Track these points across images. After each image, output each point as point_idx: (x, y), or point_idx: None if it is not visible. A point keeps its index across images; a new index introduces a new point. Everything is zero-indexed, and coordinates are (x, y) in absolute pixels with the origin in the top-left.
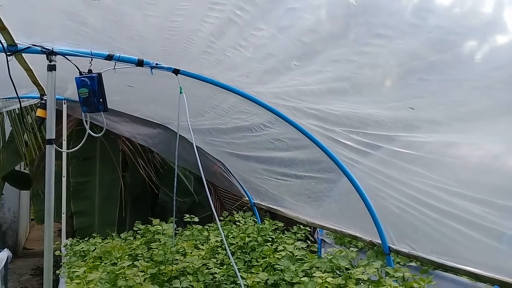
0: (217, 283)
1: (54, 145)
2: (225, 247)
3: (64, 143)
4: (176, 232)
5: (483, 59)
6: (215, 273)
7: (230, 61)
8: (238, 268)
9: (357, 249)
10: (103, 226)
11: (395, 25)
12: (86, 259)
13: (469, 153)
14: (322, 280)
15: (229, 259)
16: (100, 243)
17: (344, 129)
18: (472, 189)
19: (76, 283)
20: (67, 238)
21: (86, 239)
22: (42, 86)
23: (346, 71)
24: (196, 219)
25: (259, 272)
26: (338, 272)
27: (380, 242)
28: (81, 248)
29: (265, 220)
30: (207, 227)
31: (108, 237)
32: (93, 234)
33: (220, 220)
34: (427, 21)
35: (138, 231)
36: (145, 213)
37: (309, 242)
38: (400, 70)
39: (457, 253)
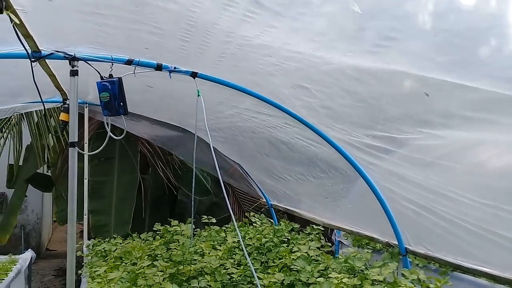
0: (234, 283)
1: (77, 147)
2: (242, 248)
3: (86, 146)
4: (195, 233)
5: None
6: (232, 273)
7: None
8: (254, 269)
9: (372, 251)
10: (118, 225)
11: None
12: (107, 259)
13: (485, 157)
14: (338, 280)
15: (246, 259)
16: (120, 243)
17: (356, 129)
18: (487, 192)
19: (98, 282)
20: (88, 239)
21: (107, 239)
22: (65, 90)
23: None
24: (214, 220)
25: (275, 272)
26: (353, 273)
27: (397, 243)
28: (103, 248)
29: (281, 221)
30: (224, 228)
31: (128, 238)
32: (113, 235)
33: (237, 222)
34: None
35: (157, 232)
36: (165, 214)
37: (322, 242)
38: None
39: (473, 254)
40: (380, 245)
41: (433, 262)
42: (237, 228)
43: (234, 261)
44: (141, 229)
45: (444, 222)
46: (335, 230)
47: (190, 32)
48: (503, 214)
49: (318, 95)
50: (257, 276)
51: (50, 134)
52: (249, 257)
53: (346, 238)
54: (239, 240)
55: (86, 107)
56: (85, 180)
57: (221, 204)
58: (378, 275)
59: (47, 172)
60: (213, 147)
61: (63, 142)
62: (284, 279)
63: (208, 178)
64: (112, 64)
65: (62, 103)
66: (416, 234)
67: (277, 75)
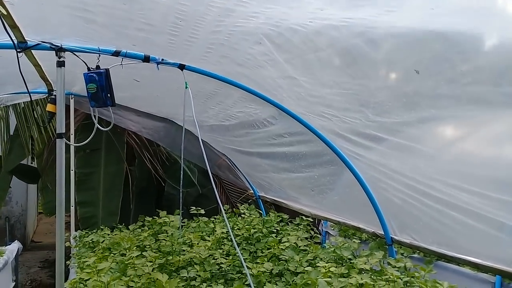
0: (223, 273)
1: (64, 138)
2: (231, 238)
3: (72, 137)
4: (182, 224)
5: None
6: (221, 263)
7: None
8: (243, 259)
9: (360, 241)
10: (106, 217)
11: None
12: (95, 250)
13: (471, 146)
14: (326, 269)
15: (234, 250)
16: (108, 234)
17: (346, 116)
18: (473, 181)
19: (87, 272)
20: (75, 231)
21: (94, 231)
22: (50, 81)
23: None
24: (202, 211)
25: (264, 262)
26: (341, 262)
27: (383, 233)
28: (91, 240)
29: (270, 212)
30: (213, 219)
31: (115, 229)
32: (101, 226)
33: (226, 213)
34: None
35: (145, 223)
36: (151, 205)
37: (312, 233)
38: None
39: (458, 243)
40: (366, 235)
41: (418, 251)
42: (226, 219)
43: (223, 251)
44: (127, 220)
45: (429, 212)
46: (322, 221)
47: (179, 25)
48: (488, 204)
49: (306, 85)
50: (246, 266)
51: (35, 125)
52: (238, 247)
53: (333, 228)
54: (228, 231)
55: (72, 98)
56: (71, 171)
57: (208, 195)
58: (365, 264)
59: (32, 163)
60: (201, 139)
61: (50, 133)
62: (272, 269)
63: (195, 170)
64: (99, 56)
65: (47, 94)
66: (402, 224)
67: (266, 66)
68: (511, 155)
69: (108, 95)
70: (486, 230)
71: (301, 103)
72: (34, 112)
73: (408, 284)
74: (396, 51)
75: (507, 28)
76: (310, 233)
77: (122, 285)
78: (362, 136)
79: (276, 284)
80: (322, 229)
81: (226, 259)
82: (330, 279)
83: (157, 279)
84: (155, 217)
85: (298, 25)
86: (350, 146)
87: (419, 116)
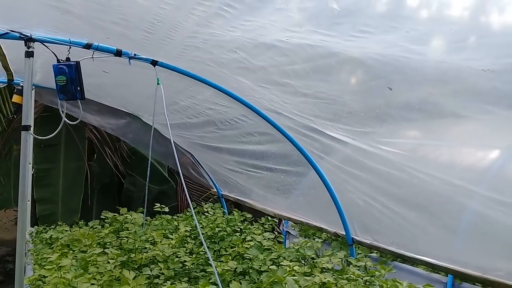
0: (186, 271)
1: (30, 131)
2: (194, 237)
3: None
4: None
5: None
6: (185, 261)
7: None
8: (207, 257)
9: (321, 241)
10: (67, 214)
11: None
12: (53, 247)
13: (432, 149)
14: (290, 268)
15: (198, 248)
16: (67, 231)
17: (318, 120)
18: (435, 183)
19: (48, 269)
20: (31, 226)
21: (53, 226)
22: (12, 71)
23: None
24: (166, 209)
25: (228, 260)
26: (303, 262)
27: (344, 233)
28: (50, 236)
29: (234, 211)
30: (176, 217)
31: (74, 225)
32: (59, 223)
33: (188, 212)
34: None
35: (105, 220)
36: (112, 202)
37: (276, 233)
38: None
39: (416, 244)
40: (326, 235)
41: (377, 251)
42: (194, 216)
43: (187, 249)
44: (88, 217)
45: (390, 213)
46: (283, 221)
47: (155, 25)
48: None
49: (279, 93)
50: (211, 264)
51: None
52: (201, 246)
53: (293, 228)
54: (191, 229)
55: (32, 89)
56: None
57: (168, 193)
58: (327, 263)
59: None
60: (166, 135)
61: (5, 125)
62: (236, 267)
63: (165, 165)
64: (70, 47)
65: (6, 84)
66: (363, 225)
67: (239, 72)
68: (465, 160)
69: (78, 88)
70: (442, 233)
71: (272, 105)
72: None
73: (368, 283)
74: (368, 72)
75: None
76: (274, 233)
77: (85, 282)
78: (329, 138)
79: (241, 283)
80: (283, 229)
81: (190, 257)
82: (296, 277)
83: (123, 276)
84: (115, 214)
85: (276, 40)
86: (317, 146)
87: (385, 124)
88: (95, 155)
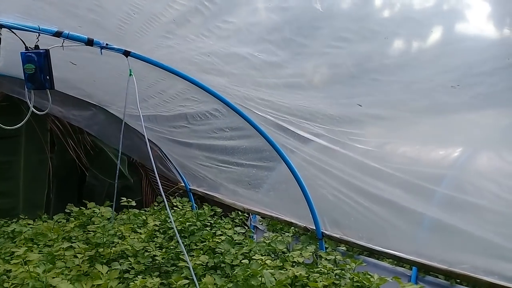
0: (157, 266)
1: None
2: (163, 231)
3: None
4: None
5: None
6: (155, 256)
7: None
8: (178, 252)
9: (291, 235)
10: (29, 209)
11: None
12: (15, 241)
13: (399, 147)
14: (262, 262)
15: (168, 243)
16: (30, 224)
17: (291, 118)
18: (402, 179)
19: (14, 263)
20: None
21: (15, 220)
22: None
23: (304, 68)
24: (134, 203)
25: (200, 255)
26: (273, 255)
27: (314, 227)
28: (12, 229)
29: (204, 206)
30: (144, 211)
31: (37, 219)
32: (21, 216)
33: (155, 206)
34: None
35: (70, 214)
36: (72, 195)
37: (246, 228)
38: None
39: (384, 238)
40: (294, 230)
41: (346, 245)
42: (168, 211)
43: (156, 244)
44: (47, 211)
45: (359, 208)
46: (250, 216)
47: (131, 17)
48: (409, 200)
49: (253, 91)
50: (182, 258)
51: None
52: (171, 240)
53: (261, 223)
54: (160, 223)
55: None
56: None
57: (133, 187)
58: (299, 257)
59: None
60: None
61: None
62: (208, 262)
63: (125, 159)
64: (39, 35)
65: None
66: (333, 219)
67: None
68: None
69: (47, 77)
70: (408, 227)
71: (247, 102)
72: None
73: (339, 276)
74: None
75: None
76: (244, 228)
77: (54, 277)
78: (302, 132)
79: (214, 278)
80: (251, 224)
81: (160, 251)
82: (272, 270)
83: (92, 270)
84: (81, 208)
85: (248, 54)
86: (287, 139)
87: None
88: (55, 147)
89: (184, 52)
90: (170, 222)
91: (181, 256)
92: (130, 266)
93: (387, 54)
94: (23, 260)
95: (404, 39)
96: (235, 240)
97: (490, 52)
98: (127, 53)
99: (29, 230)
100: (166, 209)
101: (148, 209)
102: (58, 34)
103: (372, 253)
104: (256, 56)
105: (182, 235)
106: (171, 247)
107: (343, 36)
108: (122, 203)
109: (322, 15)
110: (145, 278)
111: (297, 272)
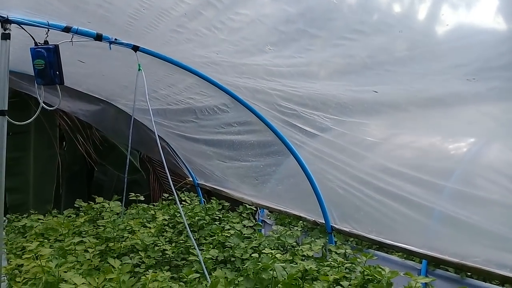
0: (167, 260)
1: (7, 116)
2: (172, 225)
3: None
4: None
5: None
6: (165, 250)
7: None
8: (188, 246)
9: (301, 229)
10: (38, 204)
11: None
12: (26, 236)
13: (410, 139)
14: (272, 256)
15: (177, 237)
16: (40, 219)
17: (302, 109)
18: (412, 172)
19: (26, 258)
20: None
21: (25, 215)
22: None
23: (319, 58)
24: (142, 198)
25: (209, 249)
26: (282, 249)
27: (324, 221)
28: (23, 225)
29: (212, 200)
30: (152, 205)
31: (46, 214)
32: (31, 211)
33: (163, 201)
34: None
35: (80, 209)
36: (82, 191)
37: (254, 221)
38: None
39: (395, 231)
40: (303, 224)
41: (356, 239)
42: (179, 205)
43: (166, 238)
44: (58, 206)
45: (370, 202)
46: (259, 210)
47: (141, 12)
48: (421, 194)
49: (264, 82)
50: (192, 252)
51: None
52: (181, 235)
53: (269, 217)
54: (169, 218)
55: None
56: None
57: (140, 182)
58: (308, 251)
59: None
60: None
61: None
62: (218, 256)
63: (136, 153)
64: (48, 31)
65: None
66: (343, 213)
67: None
68: (442, 148)
69: (57, 72)
70: (420, 220)
71: (256, 96)
72: None
73: (349, 269)
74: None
75: None
76: (252, 221)
77: (66, 271)
78: (311, 126)
79: (225, 272)
80: (258, 218)
81: (170, 246)
82: (283, 264)
83: (103, 265)
84: (90, 202)
85: (260, 44)
86: (296, 133)
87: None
88: (65, 143)
89: (195, 46)
90: (181, 216)
91: (191, 250)
92: (141, 260)
93: (401, 47)
94: (35, 254)
95: (418, 32)
96: (244, 234)
97: (506, 45)
98: (136, 48)
99: (39, 225)
100: (176, 204)
101: (156, 203)
102: (67, 30)
103: (382, 246)
104: (268, 47)
105: (192, 229)
106: (181, 241)
107: (357, 28)
108: (130, 198)
109: (336, 7)
110: (156, 272)
111: (308, 265)
